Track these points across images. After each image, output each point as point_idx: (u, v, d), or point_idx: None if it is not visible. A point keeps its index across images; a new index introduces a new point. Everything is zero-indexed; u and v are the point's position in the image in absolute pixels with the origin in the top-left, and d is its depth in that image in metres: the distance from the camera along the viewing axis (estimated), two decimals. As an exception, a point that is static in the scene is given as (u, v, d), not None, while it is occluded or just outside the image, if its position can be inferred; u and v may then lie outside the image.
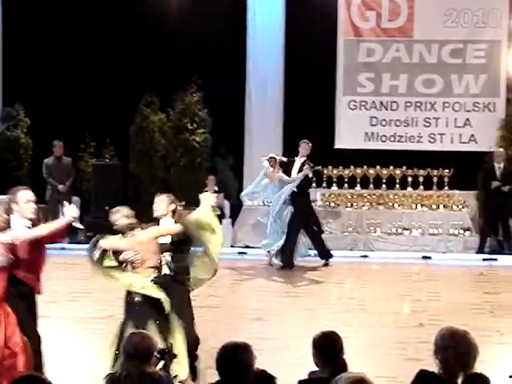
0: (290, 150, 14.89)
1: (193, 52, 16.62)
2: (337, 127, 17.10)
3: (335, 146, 17.04)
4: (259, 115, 16.92)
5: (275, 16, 16.90)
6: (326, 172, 16.34)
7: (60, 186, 15.93)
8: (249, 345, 4.67)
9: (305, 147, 14.17)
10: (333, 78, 17.00)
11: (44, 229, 6.75)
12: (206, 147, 16.95)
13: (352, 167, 16.55)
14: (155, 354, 4.96)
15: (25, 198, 6.92)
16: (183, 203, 10.77)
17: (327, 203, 16.14)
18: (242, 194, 15.08)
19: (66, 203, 7.21)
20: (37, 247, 6.78)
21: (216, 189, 15.67)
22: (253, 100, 17.02)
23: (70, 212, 6.85)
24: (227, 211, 16.31)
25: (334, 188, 16.55)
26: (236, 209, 16.31)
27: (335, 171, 16.56)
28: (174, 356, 5.24)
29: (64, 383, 6.96)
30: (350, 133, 17.10)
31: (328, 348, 4.95)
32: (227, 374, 4.55)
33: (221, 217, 16.02)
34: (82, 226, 15.50)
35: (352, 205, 16.15)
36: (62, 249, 15.20)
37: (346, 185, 16.57)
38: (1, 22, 17.45)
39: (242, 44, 16.89)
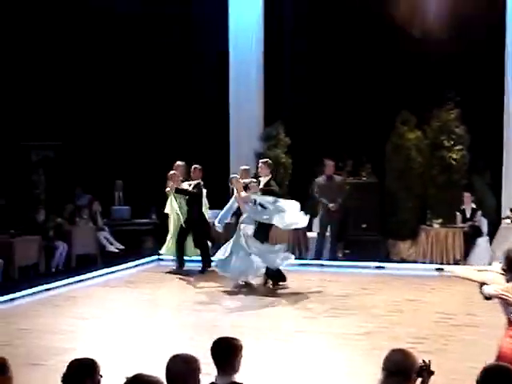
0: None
1: (449, 68, 16.52)
2: None
3: None
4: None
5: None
6: None
7: (331, 205, 15.89)
8: None
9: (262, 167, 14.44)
10: None
11: None
12: (464, 164, 16.72)
13: None
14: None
15: None
16: None
17: None
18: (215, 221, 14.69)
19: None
20: None
21: (473, 206, 15.52)
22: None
23: None
24: (485, 229, 16.03)
25: None
26: (494, 226, 16.03)
27: None
28: (432, 373, 5.24)
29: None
30: None
31: None
32: None
33: (478, 235, 15.82)
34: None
35: None
36: (321, 265, 15.66)
37: None
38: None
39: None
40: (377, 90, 17.01)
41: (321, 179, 16.25)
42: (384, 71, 17.06)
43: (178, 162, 16.47)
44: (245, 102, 17.79)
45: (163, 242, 15.75)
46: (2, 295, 12.75)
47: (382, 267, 15.51)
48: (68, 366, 5.05)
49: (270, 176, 14.43)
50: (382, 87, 16.98)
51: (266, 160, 14.70)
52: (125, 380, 4.11)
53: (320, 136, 17.12)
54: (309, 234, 16.54)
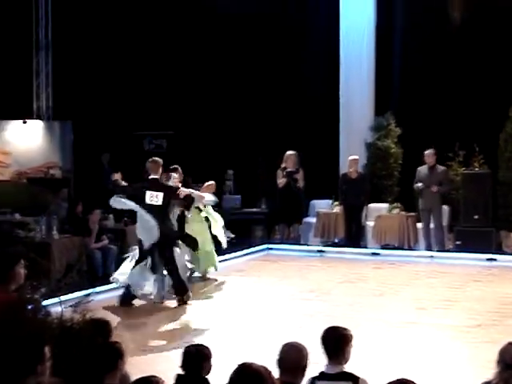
0: None
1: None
2: None
3: None
4: None
5: None
6: None
7: (434, 188, 15.80)
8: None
9: None
10: None
11: None
12: None
13: None
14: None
15: None
16: None
17: None
18: None
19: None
20: None
21: None
22: None
23: None
24: None
25: None
26: None
27: None
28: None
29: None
30: None
31: None
32: None
33: None
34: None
35: None
36: (431, 257, 15.53)
37: None
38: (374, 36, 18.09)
39: None
40: (490, 78, 16.69)
41: (423, 168, 16.16)
42: (499, 59, 16.73)
43: (289, 152, 16.62)
44: (355, 91, 17.75)
45: (273, 230, 15.88)
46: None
47: (494, 259, 15.27)
48: (185, 352, 5.24)
49: None
50: (495, 76, 16.65)
51: None
52: (235, 367, 4.23)
53: (431, 126, 16.93)
54: (418, 225, 16.41)
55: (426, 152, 16.12)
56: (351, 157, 16.63)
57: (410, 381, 4.17)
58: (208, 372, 5.43)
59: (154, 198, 11.46)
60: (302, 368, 5.04)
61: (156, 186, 11.55)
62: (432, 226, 16.03)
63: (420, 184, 15.90)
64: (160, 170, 11.80)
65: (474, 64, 16.96)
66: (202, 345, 5.68)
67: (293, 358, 5.04)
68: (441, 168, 16.22)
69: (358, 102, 17.75)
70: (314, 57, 18.75)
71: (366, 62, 17.85)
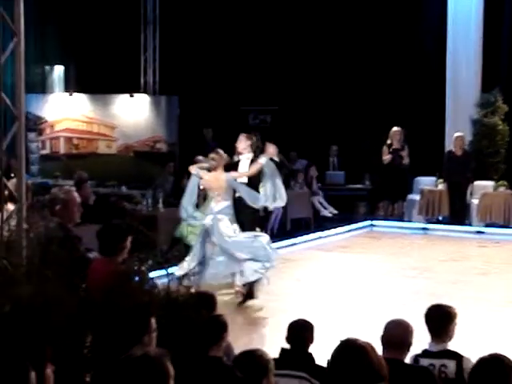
0: None
1: None
2: None
3: None
4: None
5: None
6: None
7: None
8: None
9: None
10: None
11: None
12: None
13: None
14: None
15: None
16: None
17: None
18: None
19: None
20: None
21: None
22: None
23: None
24: None
25: None
26: None
27: None
28: None
29: None
30: None
31: None
32: None
33: None
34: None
35: None
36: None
37: None
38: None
39: None
40: None
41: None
42: None
43: (394, 128, 16.49)
44: (463, 67, 17.45)
45: (376, 207, 15.80)
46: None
47: None
48: (290, 326, 5.30)
49: None
50: None
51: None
52: (338, 343, 4.25)
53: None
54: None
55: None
56: (456, 134, 16.37)
57: (504, 356, 4.12)
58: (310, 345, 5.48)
59: None
60: (407, 345, 5.04)
61: None
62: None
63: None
64: None
65: None
66: (306, 320, 5.72)
67: (398, 334, 5.04)
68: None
69: (464, 78, 17.46)
70: (421, 32, 18.47)
71: (474, 37, 17.49)
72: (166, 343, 4.82)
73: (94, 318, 5.16)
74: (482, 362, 4.14)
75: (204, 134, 18.80)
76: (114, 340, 4.86)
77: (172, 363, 3.97)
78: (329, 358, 4.24)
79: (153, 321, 4.87)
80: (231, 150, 11.78)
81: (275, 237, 15.18)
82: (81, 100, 19.09)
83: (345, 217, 17.13)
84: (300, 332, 5.47)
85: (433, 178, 17.13)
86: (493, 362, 4.09)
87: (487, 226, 16.09)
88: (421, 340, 5.43)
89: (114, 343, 4.82)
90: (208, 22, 19.23)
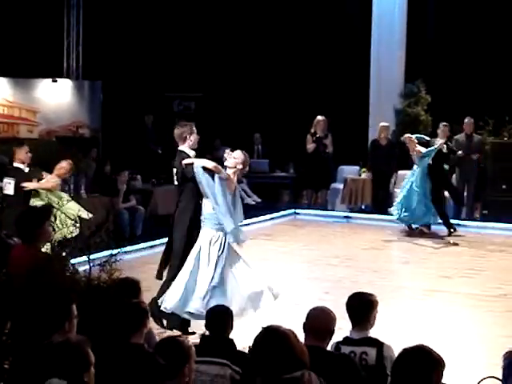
0: None
1: None
2: None
3: None
4: None
5: None
6: None
7: (474, 156, 15.86)
8: None
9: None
10: None
11: None
12: None
13: None
14: None
15: None
16: None
17: None
18: None
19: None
20: None
21: None
22: None
23: None
24: None
25: None
26: None
27: None
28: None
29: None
30: None
31: None
32: None
33: None
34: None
35: None
36: (458, 225, 15.42)
37: None
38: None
39: None
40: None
41: (460, 136, 16.03)
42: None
43: (318, 117, 16.56)
44: (386, 58, 17.59)
45: (300, 195, 15.85)
46: (143, 242, 13.21)
47: (522, 229, 15.18)
48: (208, 313, 5.29)
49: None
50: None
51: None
52: (260, 329, 4.26)
53: (461, 94, 16.81)
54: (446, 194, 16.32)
55: (466, 120, 15.98)
56: (382, 123, 16.52)
57: (427, 347, 4.17)
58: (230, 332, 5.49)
59: None
60: (329, 332, 5.07)
61: None
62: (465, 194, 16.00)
63: (460, 152, 15.74)
64: None
65: (507, 32, 16.78)
66: (225, 306, 5.73)
67: (320, 322, 5.07)
68: (477, 137, 16.15)
69: (388, 68, 17.61)
70: (345, 22, 18.60)
71: (398, 28, 17.66)
72: (87, 330, 4.77)
73: (13, 304, 5.07)
74: (406, 352, 4.15)
75: (145, 120, 18.68)
76: (34, 326, 4.79)
77: (93, 350, 3.93)
78: (250, 344, 4.24)
79: (74, 307, 4.82)
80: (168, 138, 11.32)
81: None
82: (1, 84, 18.72)
83: (268, 205, 17.18)
84: (219, 319, 5.47)
85: (356, 167, 17.30)
86: (416, 353, 4.12)
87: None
88: (342, 328, 5.48)
89: (35, 330, 4.75)
90: (132, 6, 19.04)
